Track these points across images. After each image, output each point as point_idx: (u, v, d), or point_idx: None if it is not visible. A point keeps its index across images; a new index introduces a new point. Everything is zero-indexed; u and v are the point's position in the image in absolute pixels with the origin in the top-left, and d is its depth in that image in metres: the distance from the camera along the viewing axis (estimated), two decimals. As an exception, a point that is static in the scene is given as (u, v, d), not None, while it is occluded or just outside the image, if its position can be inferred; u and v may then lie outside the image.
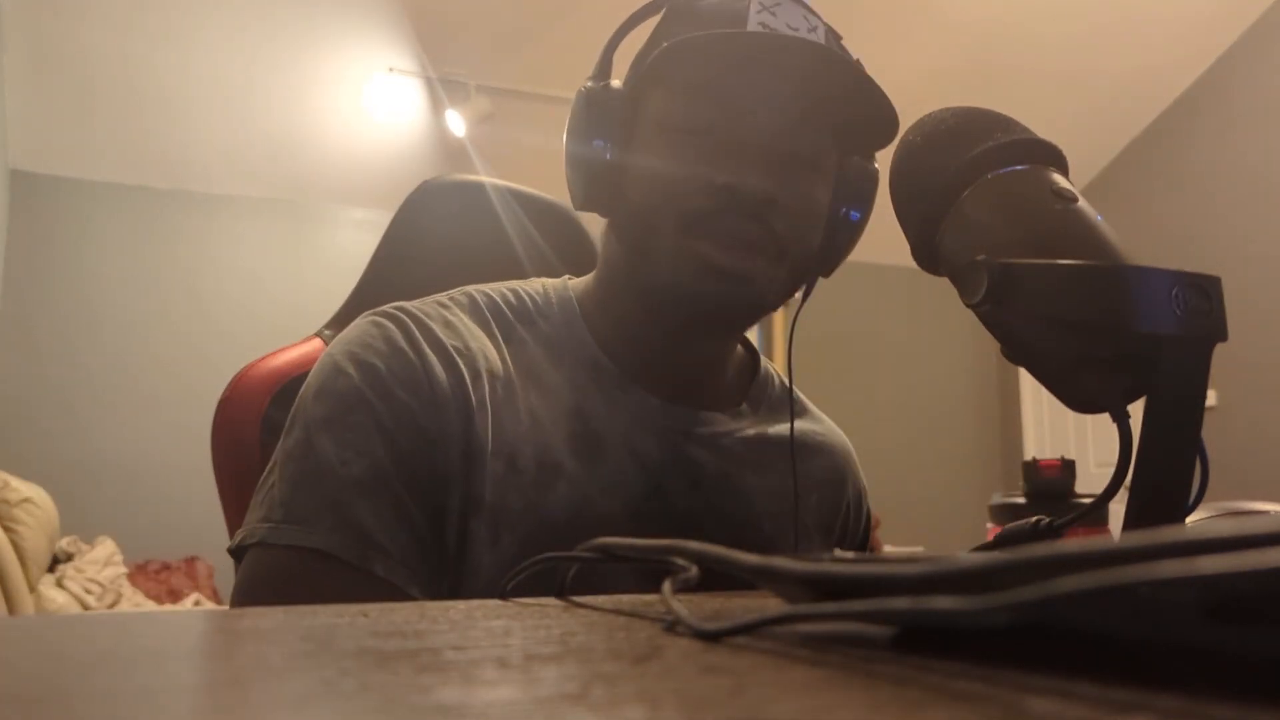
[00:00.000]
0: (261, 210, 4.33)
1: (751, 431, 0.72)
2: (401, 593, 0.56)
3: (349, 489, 0.56)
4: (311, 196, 4.37)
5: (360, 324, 0.64)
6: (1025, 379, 4.97)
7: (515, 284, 0.71)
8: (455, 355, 0.62)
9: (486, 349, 0.64)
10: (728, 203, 0.60)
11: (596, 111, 0.65)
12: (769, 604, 0.33)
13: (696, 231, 0.61)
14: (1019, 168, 0.45)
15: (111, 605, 3.15)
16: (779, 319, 4.91)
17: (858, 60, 0.66)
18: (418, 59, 3.79)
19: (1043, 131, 0.47)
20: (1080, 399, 0.42)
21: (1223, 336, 0.40)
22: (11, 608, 2.58)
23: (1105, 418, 0.42)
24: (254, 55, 3.66)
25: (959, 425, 5.14)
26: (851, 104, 0.62)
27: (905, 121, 0.51)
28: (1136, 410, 0.41)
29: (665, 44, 0.61)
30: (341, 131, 4.05)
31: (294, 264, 4.33)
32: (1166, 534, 0.17)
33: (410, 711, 0.16)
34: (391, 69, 3.81)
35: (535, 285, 0.71)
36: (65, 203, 4.03)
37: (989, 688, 0.18)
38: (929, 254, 0.48)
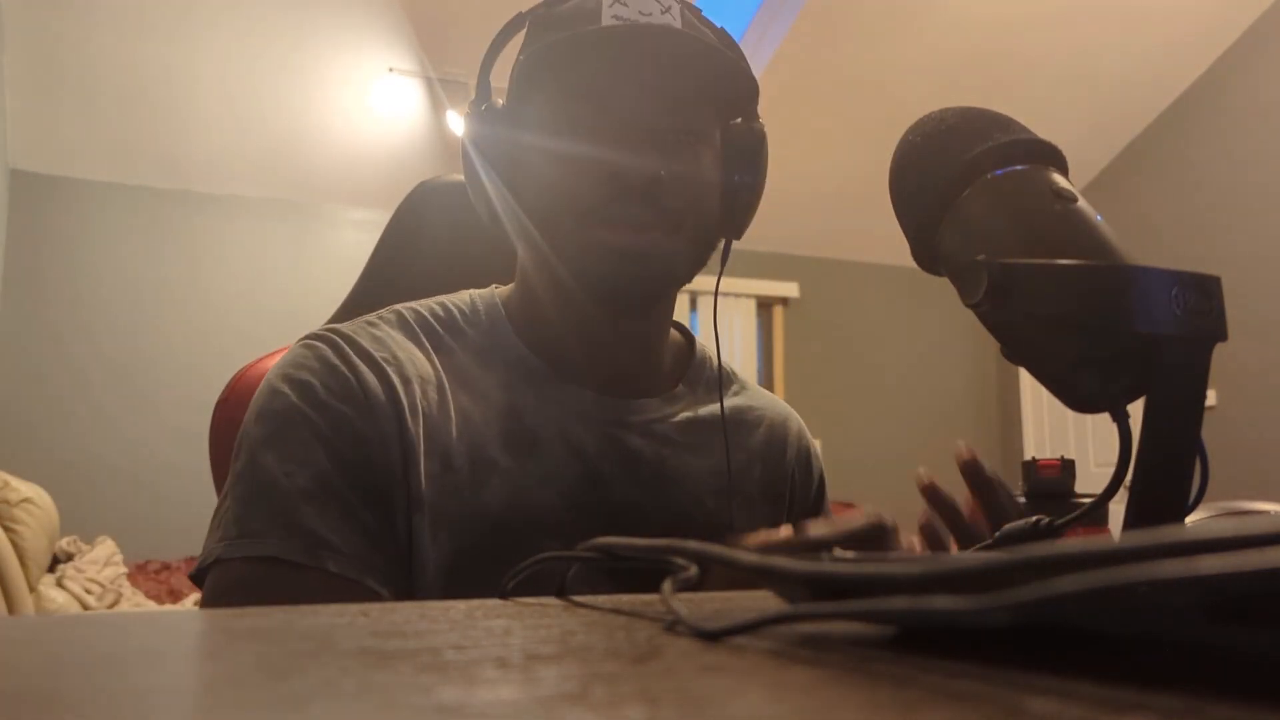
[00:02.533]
0: (262, 210, 4.33)
1: (687, 414, 0.74)
2: (359, 585, 0.58)
3: (295, 498, 0.59)
4: (312, 196, 4.37)
5: (293, 349, 0.67)
6: (1025, 379, 4.97)
7: (443, 298, 0.74)
8: (384, 365, 0.64)
9: (415, 358, 0.67)
10: (617, 190, 0.63)
11: (481, 133, 0.68)
12: (769, 604, 0.33)
13: (588, 219, 0.64)
14: (1019, 168, 0.45)
15: (111, 605, 3.15)
16: (779, 316, 4.91)
17: (721, 31, 0.71)
18: (418, 59, 3.79)
19: (1043, 131, 0.47)
20: (1080, 399, 0.42)
21: (1223, 336, 0.40)
22: (11, 608, 2.58)
23: (1105, 418, 0.42)
24: (254, 55, 3.66)
25: (959, 425, 5.14)
26: (709, 74, 0.66)
27: (905, 121, 0.51)
28: (1136, 410, 0.41)
29: (523, 54, 0.65)
30: (342, 132, 4.05)
31: (294, 264, 4.33)
32: (1166, 534, 0.17)
33: (410, 711, 0.16)
34: (392, 69, 3.81)
35: (463, 297, 0.74)
36: (65, 203, 4.03)
37: (989, 688, 0.18)
38: (929, 254, 0.48)
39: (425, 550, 0.61)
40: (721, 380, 0.77)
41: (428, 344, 0.69)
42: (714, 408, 0.75)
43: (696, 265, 0.69)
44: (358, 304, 0.87)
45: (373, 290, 0.88)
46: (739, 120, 0.72)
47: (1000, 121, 0.48)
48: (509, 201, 0.68)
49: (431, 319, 0.71)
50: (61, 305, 3.98)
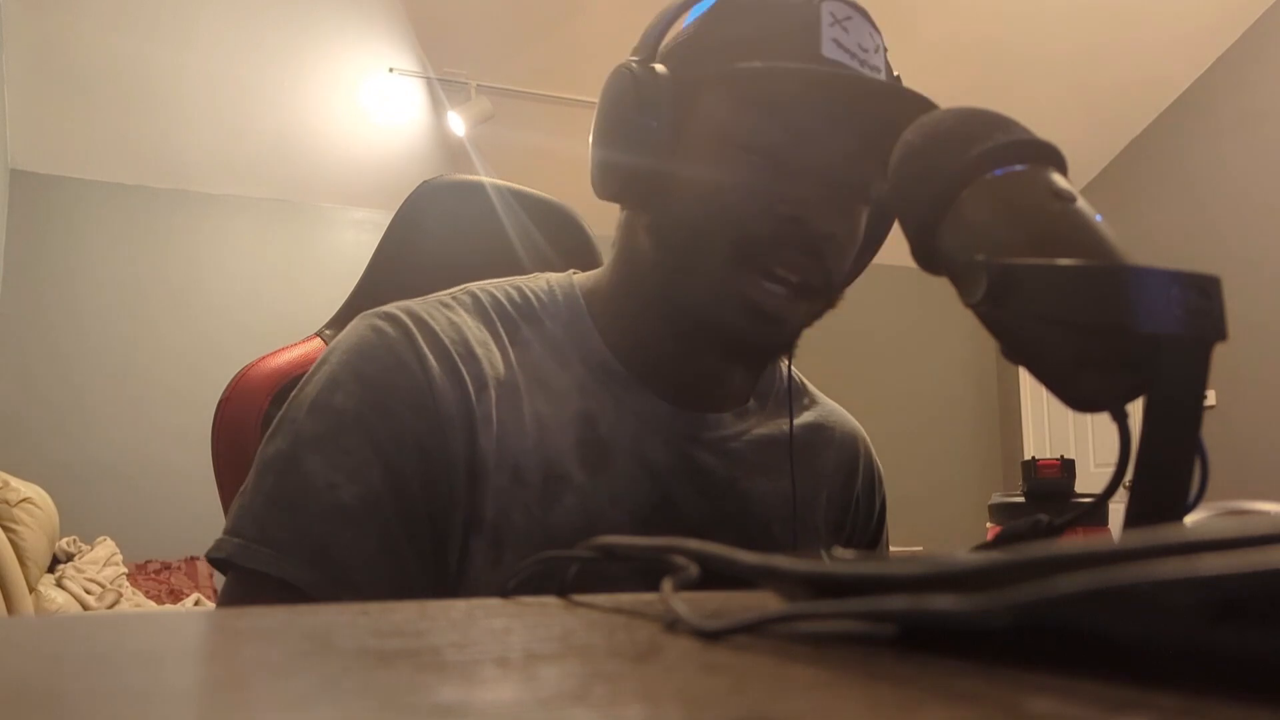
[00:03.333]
0: (261, 210, 4.33)
1: (759, 431, 0.71)
2: None
3: (332, 517, 0.54)
4: (311, 197, 4.37)
5: (361, 329, 0.60)
6: (1025, 379, 4.97)
7: (519, 280, 0.69)
8: (460, 364, 0.59)
9: (491, 353, 0.62)
10: (788, 235, 0.58)
11: (646, 96, 0.60)
12: (769, 603, 0.33)
13: (748, 259, 0.58)
14: (1018, 168, 0.45)
15: (111, 605, 3.15)
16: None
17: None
18: (418, 59, 3.78)
19: (1042, 132, 0.47)
20: (1080, 399, 0.42)
21: (1223, 336, 0.40)
22: (11, 608, 2.57)
23: (1105, 418, 0.42)
24: (254, 56, 3.66)
25: (959, 425, 5.14)
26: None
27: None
28: (1136, 410, 0.41)
29: (745, 63, 0.58)
30: (342, 132, 4.05)
31: (294, 264, 4.33)
32: (1166, 534, 0.17)
33: (410, 711, 0.16)
34: (392, 69, 3.81)
35: (540, 281, 0.69)
36: (65, 203, 4.03)
37: (989, 688, 0.18)
38: (928, 254, 0.48)
39: (482, 573, 0.57)
40: (792, 398, 0.74)
41: (503, 333, 0.63)
42: (784, 425, 0.72)
43: (813, 323, 0.66)
44: (359, 304, 0.86)
45: (375, 290, 0.88)
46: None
47: (1000, 122, 0.48)
48: (646, 187, 0.61)
49: (508, 305, 0.65)
50: (61, 305, 3.98)
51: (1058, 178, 0.45)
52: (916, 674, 0.20)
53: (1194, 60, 4.17)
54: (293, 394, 0.59)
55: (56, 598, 2.93)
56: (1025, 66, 4.02)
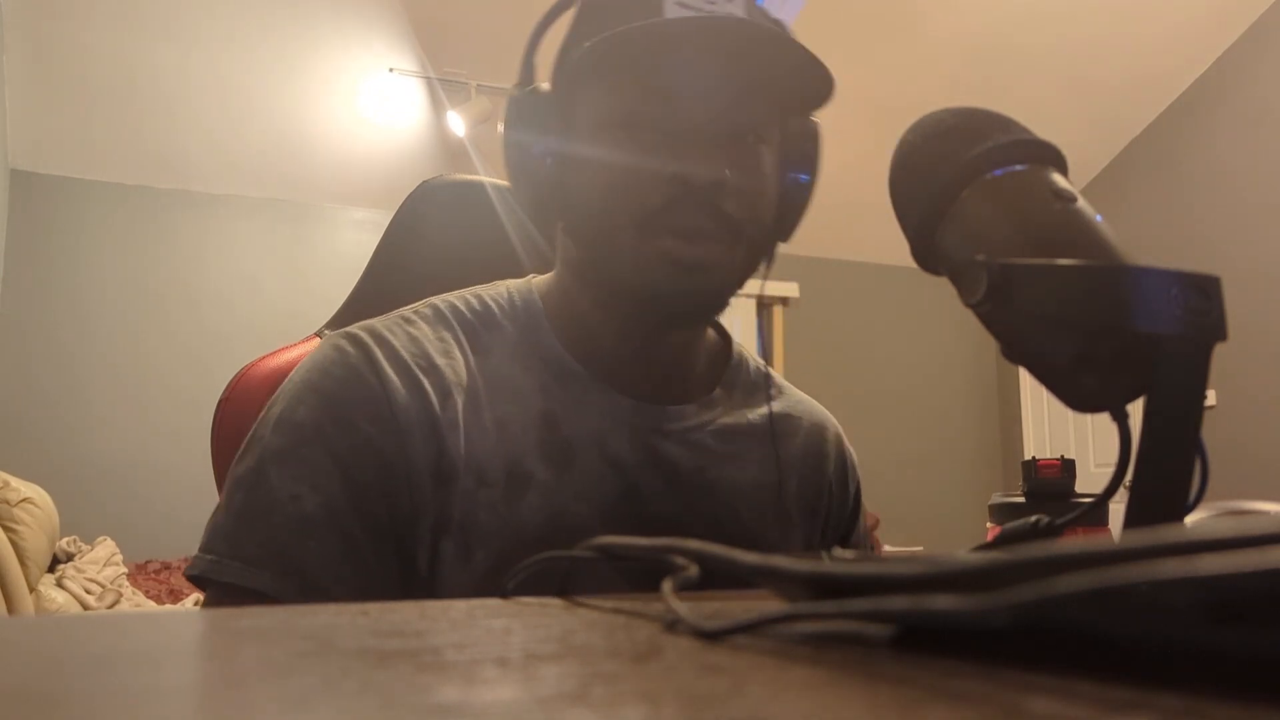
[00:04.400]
0: (261, 210, 4.33)
1: (725, 421, 0.71)
2: None
3: (296, 527, 0.56)
4: (311, 197, 4.37)
5: (324, 349, 0.63)
6: (1025, 379, 4.97)
7: (480, 289, 0.71)
8: (421, 375, 0.61)
9: (454, 361, 0.64)
10: (680, 194, 0.60)
11: (530, 118, 0.64)
12: (769, 604, 0.33)
13: (654, 228, 0.60)
14: (1018, 168, 0.45)
15: (111, 605, 3.15)
16: (779, 316, 4.91)
17: (779, 23, 0.66)
18: (418, 59, 3.78)
19: (1043, 132, 0.47)
20: (1080, 399, 0.42)
21: (1223, 336, 0.40)
22: (11, 608, 2.57)
23: (1105, 418, 0.42)
24: (254, 56, 3.66)
25: (959, 425, 5.14)
26: (783, 70, 0.62)
27: (904, 122, 0.51)
28: (1136, 410, 0.41)
29: (587, 44, 0.60)
30: (342, 132, 4.05)
31: (294, 264, 4.33)
32: (1166, 534, 0.17)
33: (410, 711, 0.16)
34: (392, 69, 3.81)
35: (499, 289, 0.71)
36: (65, 203, 4.03)
37: (989, 688, 0.18)
38: (928, 254, 0.48)
39: (456, 574, 0.58)
40: (763, 384, 0.74)
41: (465, 341, 0.66)
42: (751, 414, 0.73)
43: (750, 273, 0.66)
44: (359, 304, 0.87)
45: (374, 290, 0.88)
46: (796, 117, 0.68)
47: (1000, 121, 0.48)
48: (554, 196, 0.64)
49: (469, 314, 0.68)
50: (61, 305, 3.98)
51: (1058, 178, 0.45)
52: (916, 674, 0.20)
53: (1194, 59, 4.17)
54: (261, 413, 0.62)
55: (56, 598, 2.93)
56: (1025, 66, 4.02)
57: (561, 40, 0.67)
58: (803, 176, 0.68)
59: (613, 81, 0.62)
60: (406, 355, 0.62)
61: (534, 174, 0.64)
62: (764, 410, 0.74)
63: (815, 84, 0.62)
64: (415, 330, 0.65)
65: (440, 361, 0.63)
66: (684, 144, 0.60)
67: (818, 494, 0.76)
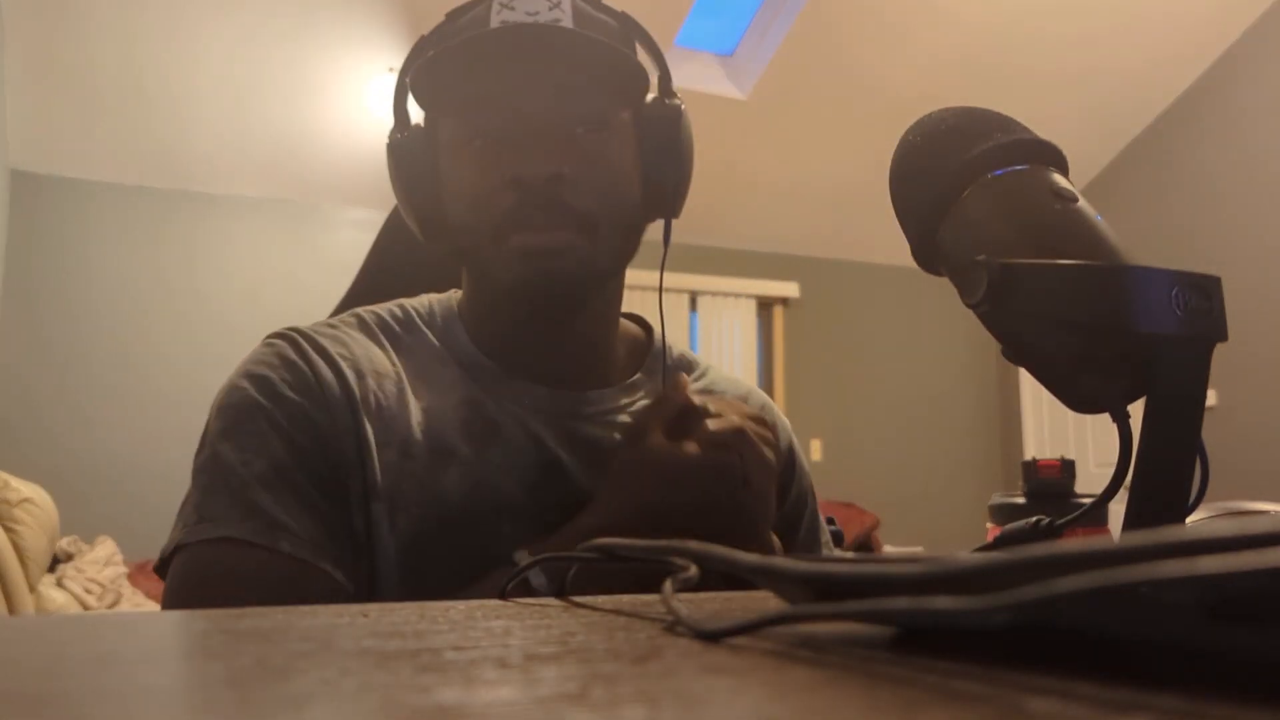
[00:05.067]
0: (261, 210, 4.33)
1: (644, 402, 0.74)
2: (314, 567, 0.59)
3: (252, 484, 0.61)
4: (311, 196, 4.37)
5: (255, 348, 0.69)
6: (1025, 379, 4.97)
7: (403, 301, 0.76)
8: (340, 360, 0.66)
9: (373, 355, 0.69)
10: (521, 196, 0.64)
11: (400, 156, 0.70)
12: (769, 604, 0.33)
13: (504, 229, 0.65)
14: (1019, 168, 0.45)
15: (111, 605, 3.15)
16: (779, 316, 4.91)
17: (617, 17, 0.71)
18: (418, 59, 3.78)
19: (1043, 131, 0.47)
20: (1080, 399, 0.42)
21: (1223, 336, 0.40)
22: (11, 608, 2.58)
23: (1105, 418, 0.42)
24: (254, 55, 3.66)
25: (959, 425, 5.14)
26: (596, 64, 0.66)
27: (905, 121, 0.51)
28: (1136, 410, 0.41)
29: (407, 76, 0.66)
30: (342, 131, 4.05)
31: (294, 264, 4.33)
32: (1166, 534, 0.17)
33: (410, 711, 0.16)
34: (392, 69, 3.81)
35: (422, 300, 0.76)
36: (65, 203, 4.03)
37: (989, 688, 0.18)
38: (929, 254, 0.48)
39: (384, 537, 0.62)
40: (672, 365, 0.77)
41: (387, 344, 0.70)
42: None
43: (622, 257, 0.70)
44: (355, 302, 0.86)
45: (369, 289, 0.88)
46: (653, 99, 0.71)
47: (1000, 121, 0.48)
48: (434, 219, 0.69)
49: (390, 320, 0.73)
50: (61, 305, 3.98)
51: (1058, 178, 0.45)
52: (916, 674, 0.20)
53: (1194, 60, 4.17)
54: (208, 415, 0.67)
55: (57, 598, 2.93)
56: (1025, 66, 4.02)
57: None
58: (667, 153, 0.70)
59: (445, 99, 0.68)
60: (328, 347, 0.67)
61: (416, 205, 0.69)
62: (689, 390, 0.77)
63: (627, 76, 0.67)
64: (339, 332, 0.70)
65: (360, 353, 0.68)
66: (516, 146, 0.64)
67: None
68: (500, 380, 0.70)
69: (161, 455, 3.88)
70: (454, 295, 0.77)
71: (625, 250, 0.70)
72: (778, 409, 0.85)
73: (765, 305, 4.93)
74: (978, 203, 0.45)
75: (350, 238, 4.38)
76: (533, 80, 0.65)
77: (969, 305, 0.43)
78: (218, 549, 0.59)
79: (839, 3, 3.62)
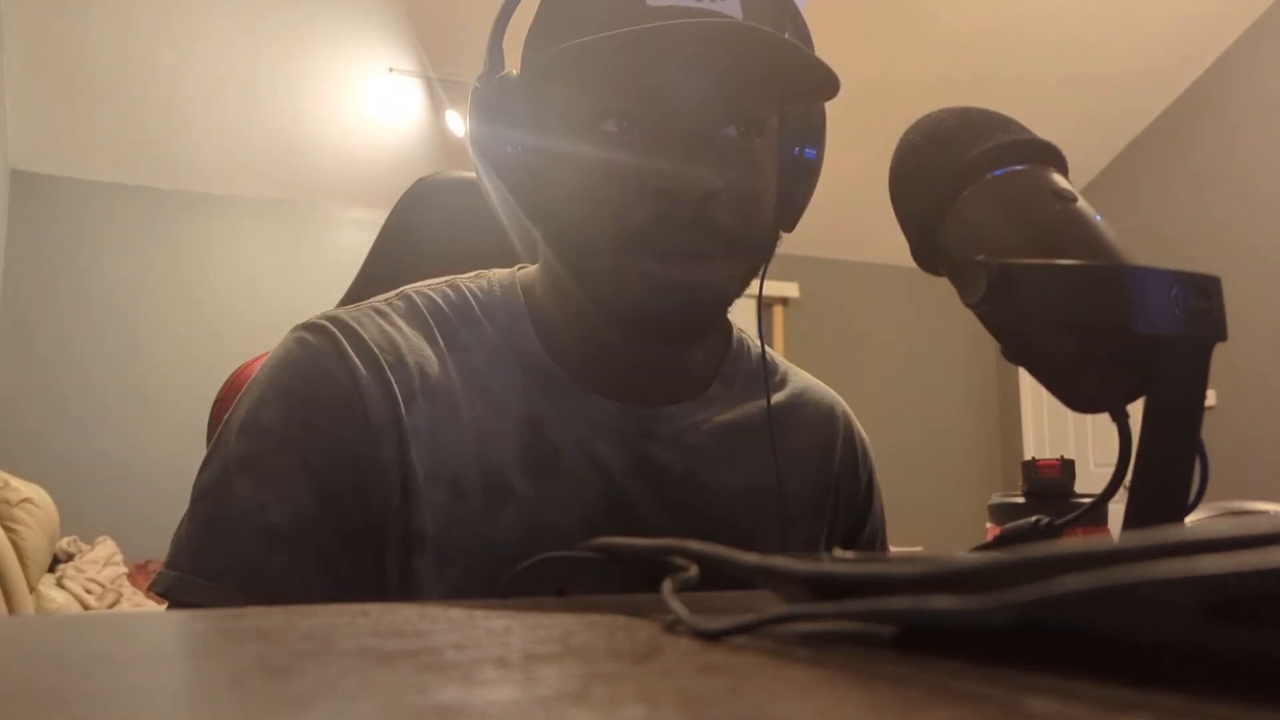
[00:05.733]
0: (261, 210, 4.33)
1: (722, 418, 0.67)
2: None
3: (263, 539, 0.53)
4: (311, 196, 4.37)
5: (288, 343, 0.59)
6: (1025, 379, 4.97)
7: (459, 279, 0.66)
8: (389, 372, 0.57)
9: (426, 359, 0.60)
10: (667, 209, 0.54)
11: (501, 111, 0.58)
12: (769, 604, 0.33)
13: (636, 246, 0.55)
14: (1019, 168, 0.45)
15: (111, 605, 3.15)
16: (779, 316, 4.91)
17: (787, 11, 0.62)
18: (418, 59, 3.78)
19: (1043, 132, 0.47)
20: (1080, 399, 0.42)
21: (1222, 336, 0.40)
22: (11, 608, 2.57)
23: (1105, 418, 0.42)
24: (254, 55, 3.66)
25: (959, 425, 5.14)
26: (778, 70, 0.57)
27: (905, 122, 0.51)
28: (1136, 410, 0.41)
29: (566, 44, 0.53)
30: (341, 131, 4.05)
31: (294, 264, 4.33)
32: (1166, 534, 0.17)
33: (410, 711, 0.16)
34: (391, 69, 3.81)
35: (481, 280, 0.66)
36: (65, 203, 4.03)
37: (989, 688, 0.18)
38: (929, 254, 0.48)
39: (428, 591, 0.55)
40: (765, 375, 0.69)
41: (440, 339, 0.61)
42: (752, 406, 0.68)
43: (750, 281, 0.61)
44: (356, 300, 0.86)
45: (370, 288, 0.88)
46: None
47: (1000, 121, 0.48)
48: (532, 202, 0.59)
49: (445, 306, 0.63)
50: (61, 305, 3.98)
51: (1058, 177, 0.45)
52: (916, 674, 0.20)
53: (1195, 58, 4.17)
54: (226, 416, 0.58)
55: (56, 598, 2.93)
56: (1025, 66, 4.02)
57: (529, 27, 0.61)
58: (809, 155, 0.62)
59: (593, 79, 0.56)
60: (375, 348, 0.58)
61: (507, 174, 0.59)
62: (764, 402, 0.69)
63: (816, 81, 0.57)
64: (387, 323, 0.60)
65: (410, 359, 0.59)
66: (670, 151, 0.54)
67: (822, 491, 0.72)
68: (569, 392, 0.62)
69: (162, 455, 3.88)
70: (518, 276, 0.67)
71: (753, 275, 0.61)
72: (858, 425, 0.77)
73: (765, 305, 4.91)
74: (977, 203, 0.45)
75: (350, 238, 4.38)
76: (705, 82, 0.55)
77: (969, 305, 0.43)
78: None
79: (839, 3, 3.62)
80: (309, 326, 0.59)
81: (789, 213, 0.63)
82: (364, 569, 0.55)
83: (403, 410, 0.57)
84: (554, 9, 0.59)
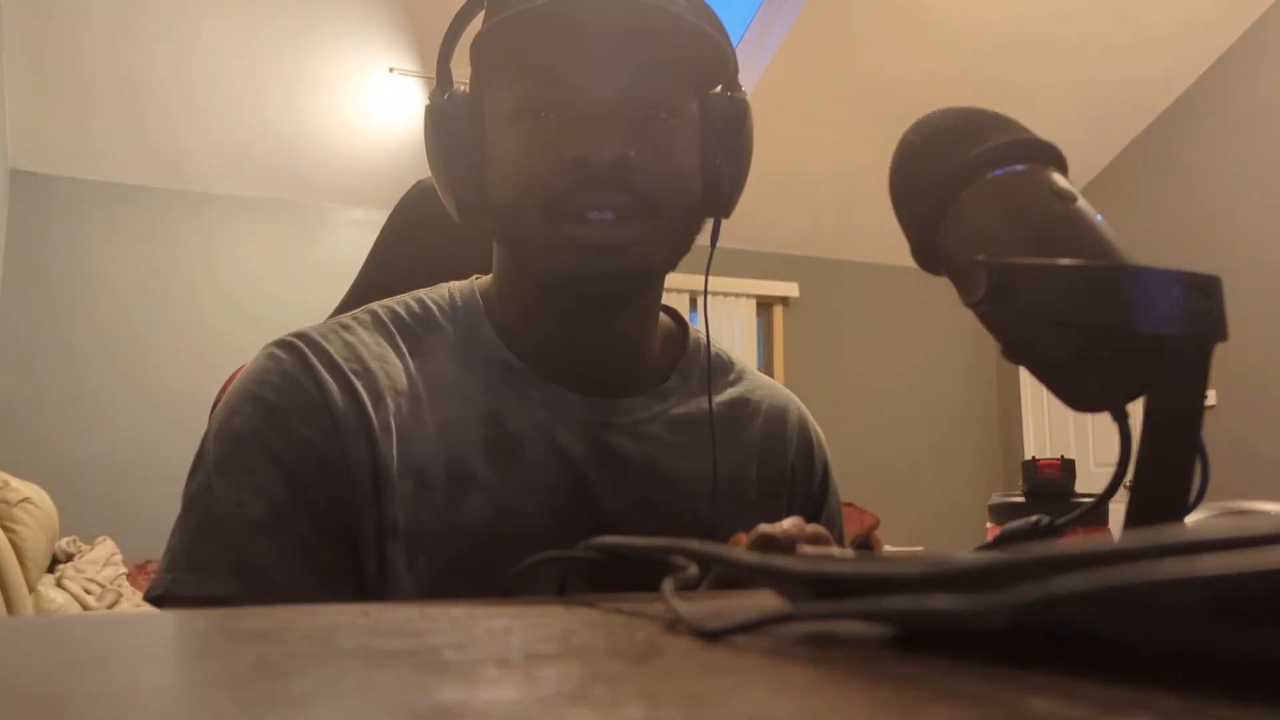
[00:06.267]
0: (261, 210, 4.33)
1: (678, 411, 0.70)
2: None
3: (246, 531, 0.56)
4: (311, 196, 4.37)
5: (259, 359, 0.63)
6: (1025, 379, 4.97)
7: (420, 292, 0.71)
8: (354, 379, 0.61)
9: (389, 366, 0.63)
10: (583, 175, 0.58)
11: (440, 121, 0.64)
12: (769, 603, 0.33)
13: (559, 212, 0.60)
14: (1018, 168, 0.45)
15: (111, 605, 3.15)
16: (779, 316, 4.91)
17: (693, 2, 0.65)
18: (418, 59, 3.79)
19: (1043, 132, 0.47)
20: (1080, 399, 0.42)
21: (1223, 336, 0.40)
22: (11, 608, 2.58)
23: (1105, 418, 0.42)
24: (254, 55, 3.66)
25: (959, 425, 5.14)
26: (677, 45, 0.61)
27: (905, 121, 0.51)
28: (1136, 410, 0.41)
29: (478, 33, 0.59)
30: (342, 131, 4.05)
31: (294, 264, 4.33)
32: (1166, 534, 0.17)
33: (410, 711, 0.16)
34: (391, 69, 3.81)
35: (441, 290, 0.71)
36: (65, 202, 4.03)
37: (989, 688, 0.18)
38: (929, 254, 0.48)
39: (401, 578, 0.59)
40: (711, 375, 0.73)
41: (404, 347, 0.65)
42: (705, 403, 0.72)
43: (678, 252, 0.65)
44: (355, 303, 0.86)
45: (370, 289, 0.88)
46: (718, 90, 0.67)
47: (1000, 121, 0.48)
48: (474, 196, 0.64)
49: (408, 317, 0.67)
50: (61, 305, 3.98)
51: (1058, 177, 0.45)
52: (916, 674, 0.20)
53: (1195, 59, 4.17)
54: (205, 430, 0.62)
55: (56, 598, 2.93)
56: (1025, 66, 4.02)
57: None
58: (730, 148, 0.66)
59: (505, 68, 0.62)
60: (340, 360, 0.62)
61: (455, 177, 0.64)
62: (719, 397, 0.74)
63: (712, 59, 0.62)
64: (351, 336, 0.64)
65: (374, 366, 0.63)
66: (585, 125, 0.59)
67: (779, 478, 0.75)
68: (529, 383, 0.66)
69: (161, 455, 3.87)
70: (477, 284, 0.71)
71: (681, 247, 0.65)
72: (812, 421, 0.81)
73: (765, 305, 4.93)
74: (977, 203, 0.45)
75: (350, 238, 4.38)
76: (610, 56, 0.60)
77: (969, 305, 0.43)
78: (207, 608, 0.56)
79: (839, 3, 3.62)
80: (277, 343, 0.63)
81: (719, 194, 0.67)
82: (339, 556, 0.58)
83: (370, 411, 0.60)
84: (489, 14, 0.64)
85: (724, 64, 0.63)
